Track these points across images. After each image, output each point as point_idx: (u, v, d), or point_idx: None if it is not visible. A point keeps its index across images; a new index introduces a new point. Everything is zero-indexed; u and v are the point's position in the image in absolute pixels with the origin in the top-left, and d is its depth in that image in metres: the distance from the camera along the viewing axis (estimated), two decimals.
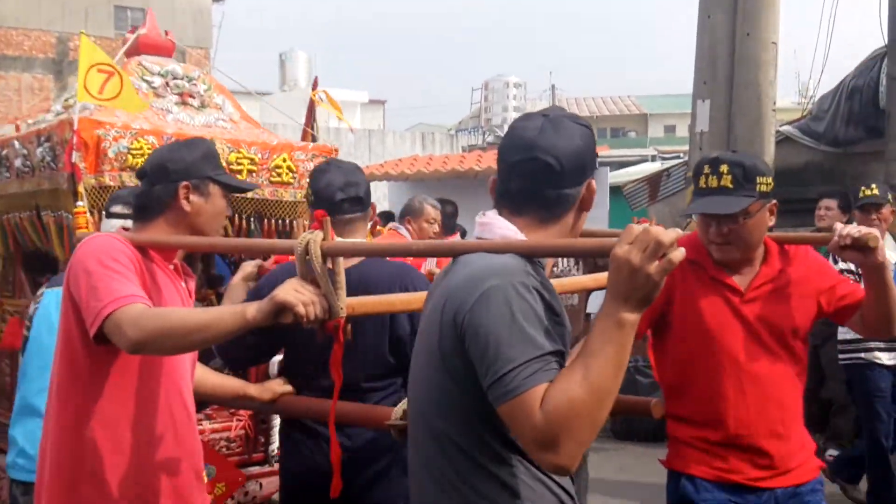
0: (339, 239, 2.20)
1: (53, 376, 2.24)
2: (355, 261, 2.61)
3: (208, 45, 25.01)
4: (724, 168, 2.50)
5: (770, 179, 2.53)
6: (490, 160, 11.89)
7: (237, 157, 3.88)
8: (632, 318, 1.49)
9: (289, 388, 2.72)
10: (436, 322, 1.68)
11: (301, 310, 1.84)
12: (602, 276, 3.09)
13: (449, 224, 5.46)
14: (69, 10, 22.61)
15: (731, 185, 2.48)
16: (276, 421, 3.93)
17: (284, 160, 4.05)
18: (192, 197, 2.29)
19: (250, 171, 3.93)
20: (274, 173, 4.02)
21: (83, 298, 2.07)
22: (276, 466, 3.88)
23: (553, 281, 3.16)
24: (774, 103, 6.62)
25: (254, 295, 2.59)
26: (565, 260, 3.55)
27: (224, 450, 3.84)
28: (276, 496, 3.92)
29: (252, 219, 4.05)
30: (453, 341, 1.62)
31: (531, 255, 1.65)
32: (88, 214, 3.38)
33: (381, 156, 19.96)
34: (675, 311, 2.64)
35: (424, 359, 1.73)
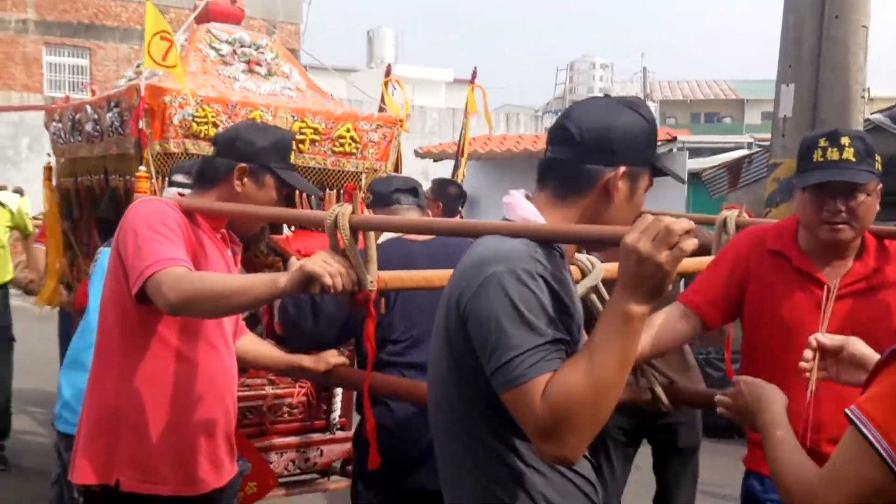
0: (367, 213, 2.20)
1: (101, 331, 2.32)
2: (427, 237, 2.69)
3: (299, 20, 25.31)
4: (845, 141, 2.36)
5: (880, 160, 2.40)
6: None
7: (301, 127, 3.90)
8: (639, 310, 1.44)
9: (342, 359, 2.74)
10: (445, 305, 1.67)
11: (328, 280, 1.86)
12: (693, 261, 3.01)
13: (451, 206, 5.18)
14: None
15: (854, 159, 2.34)
16: (339, 389, 4.00)
17: (348, 130, 4.05)
18: (245, 180, 2.35)
19: (313, 141, 3.95)
20: (337, 143, 4.03)
21: (129, 258, 2.14)
22: (338, 434, 4.01)
23: None
24: (864, 89, 6.35)
25: None
26: None
27: (286, 415, 3.92)
28: (336, 463, 4.02)
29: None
30: (458, 326, 1.61)
31: (544, 241, 1.59)
32: (153, 180, 3.47)
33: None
34: (748, 303, 2.52)
35: (437, 342, 1.72)
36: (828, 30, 6.29)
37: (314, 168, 4.00)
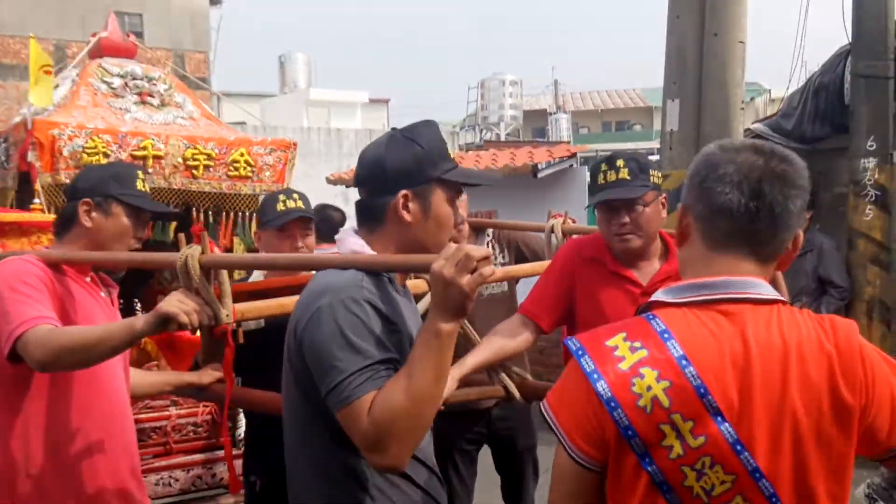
0: (217, 252, 2.28)
1: None
2: None
3: (207, 48, 25.17)
4: (620, 163, 2.70)
5: (661, 175, 2.73)
6: (488, 160, 11.91)
7: (193, 153, 4.03)
8: (448, 327, 1.61)
9: (219, 374, 2.70)
10: (288, 333, 1.80)
11: (184, 318, 1.94)
12: (530, 266, 3.25)
13: (330, 232, 5.39)
14: (66, 17, 22.77)
15: (628, 177, 2.67)
16: None
17: (242, 154, 4.20)
18: (93, 214, 2.40)
19: (206, 167, 4.08)
20: (231, 167, 4.17)
21: None
22: (243, 450, 4.08)
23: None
24: (742, 101, 6.70)
25: None
26: (490, 247, 3.70)
27: (191, 434, 3.98)
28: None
29: (210, 212, 4.19)
30: (297, 353, 1.75)
31: (368, 271, 1.75)
32: (46, 211, 3.53)
33: None
34: (578, 306, 2.79)
35: (285, 366, 1.84)
36: (707, 47, 6.61)
37: (210, 193, 4.11)
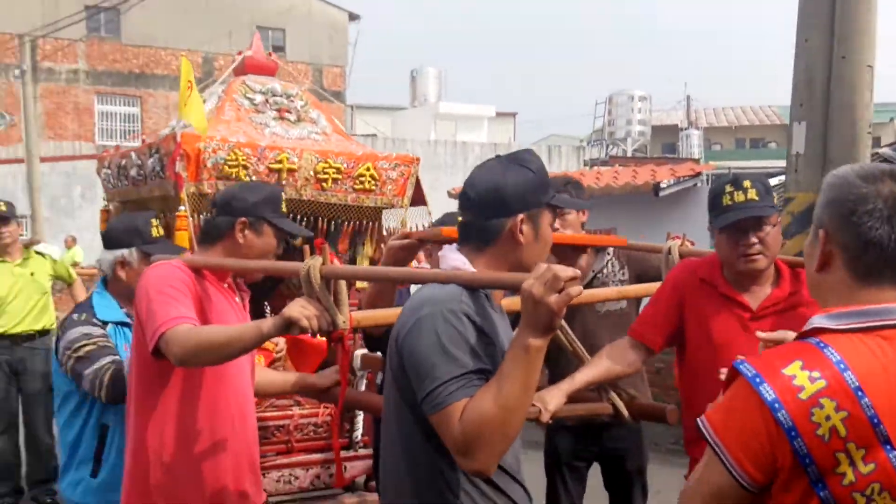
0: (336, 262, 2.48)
1: (132, 383, 2.65)
2: None
3: (344, 62, 26.10)
4: (747, 184, 2.70)
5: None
6: (609, 177, 11.81)
7: (324, 167, 4.28)
8: (536, 343, 1.70)
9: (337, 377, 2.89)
10: (390, 342, 1.96)
11: (305, 323, 2.14)
12: (643, 286, 3.32)
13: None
14: (215, 31, 24.13)
15: (756, 198, 2.68)
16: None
17: (368, 169, 4.41)
18: (246, 232, 2.64)
19: (335, 180, 4.33)
20: (357, 181, 4.40)
21: (144, 320, 2.47)
22: (360, 452, 4.22)
23: (601, 290, 3.43)
24: (870, 125, 6.57)
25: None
26: (610, 265, 3.75)
27: (312, 434, 4.17)
28: (360, 479, 4.27)
29: (333, 221, 4.46)
30: (398, 360, 1.89)
31: (467, 286, 1.87)
32: (190, 218, 3.89)
33: None
34: (688, 327, 2.83)
35: (388, 373, 2.00)
36: (836, 70, 6.51)
37: (335, 204, 4.38)
